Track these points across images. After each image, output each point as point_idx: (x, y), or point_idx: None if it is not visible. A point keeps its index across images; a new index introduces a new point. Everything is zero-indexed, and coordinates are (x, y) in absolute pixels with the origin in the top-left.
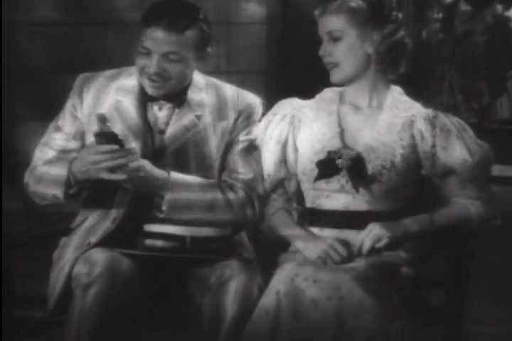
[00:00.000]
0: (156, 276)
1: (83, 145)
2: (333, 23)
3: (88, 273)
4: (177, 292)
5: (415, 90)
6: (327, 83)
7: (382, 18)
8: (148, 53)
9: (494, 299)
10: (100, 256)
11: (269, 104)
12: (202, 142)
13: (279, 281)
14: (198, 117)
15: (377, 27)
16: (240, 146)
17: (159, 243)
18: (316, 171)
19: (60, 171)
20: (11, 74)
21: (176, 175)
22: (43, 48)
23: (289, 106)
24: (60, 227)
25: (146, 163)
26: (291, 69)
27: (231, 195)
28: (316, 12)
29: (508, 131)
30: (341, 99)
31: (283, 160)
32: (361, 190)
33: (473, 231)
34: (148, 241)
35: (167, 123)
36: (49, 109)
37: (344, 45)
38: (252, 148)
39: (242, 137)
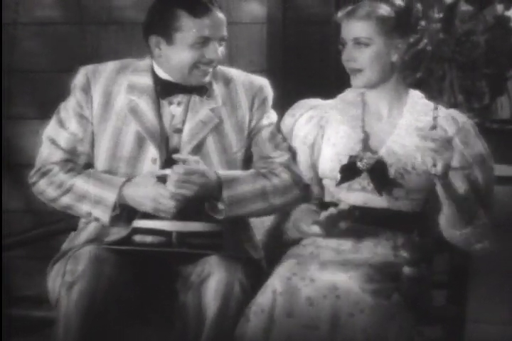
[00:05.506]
0: (143, 274)
1: (92, 148)
2: (361, 29)
3: (72, 271)
4: (163, 290)
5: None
6: (326, 83)
7: (409, 28)
8: (204, 42)
9: (495, 298)
10: (85, 254)
11: None
12: (221, 136)
13: (277, 280)
14: (213, 110)
15: (404, 36)
16: (266, 132)
17: (148, 238)
18: (336, 171)
19: (104, 193)
20: (11, 73)
21: (223, 173)
22: (43, 48)
23: (313, 106)
24: (61, 227)
25: (205, 168)
26: (292, 69)
27: (276, 180)
28: (340, 14)
29: (509, 130)
30: (364, 104)
31: (311, 163)
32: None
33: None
34: (137, 237)
35: (183, 122)
36: (49, 108)
37: (371, 52)
38: (276, 131)
39: (265, 122)
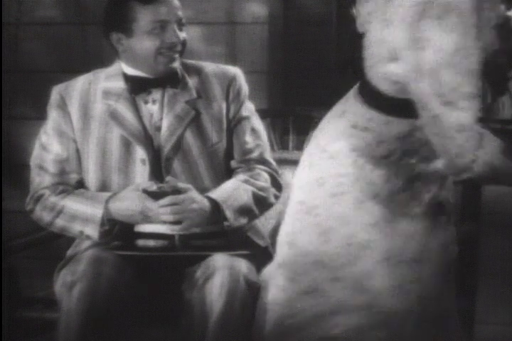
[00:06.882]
0: (145, 274)
1: (80, 164)
2: None
3: (72, 271)
4: (167, 289)
5: None
6: (328, 83)
7: None
8: (163, 26)
9: (502, 300)
10: (86, 255)
11: (270, 104)
12: (199, 129)
13: None
14: (188, 102)
15: None
16: (246, 123)
17: (150, 242)
18: None
19: (91, 210)
20: (12, 74)
21: (218, 194)
22: (45, 48)
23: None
24: None
25: (195, 195)
26: (293, 69)
27: (261, 183)
28: None
29: (510, 131)
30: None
31: None
32: None
33: None
34: (140, 242)
35: (161, 119)
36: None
37: None
38: (255, 122)
39: (244, 113)
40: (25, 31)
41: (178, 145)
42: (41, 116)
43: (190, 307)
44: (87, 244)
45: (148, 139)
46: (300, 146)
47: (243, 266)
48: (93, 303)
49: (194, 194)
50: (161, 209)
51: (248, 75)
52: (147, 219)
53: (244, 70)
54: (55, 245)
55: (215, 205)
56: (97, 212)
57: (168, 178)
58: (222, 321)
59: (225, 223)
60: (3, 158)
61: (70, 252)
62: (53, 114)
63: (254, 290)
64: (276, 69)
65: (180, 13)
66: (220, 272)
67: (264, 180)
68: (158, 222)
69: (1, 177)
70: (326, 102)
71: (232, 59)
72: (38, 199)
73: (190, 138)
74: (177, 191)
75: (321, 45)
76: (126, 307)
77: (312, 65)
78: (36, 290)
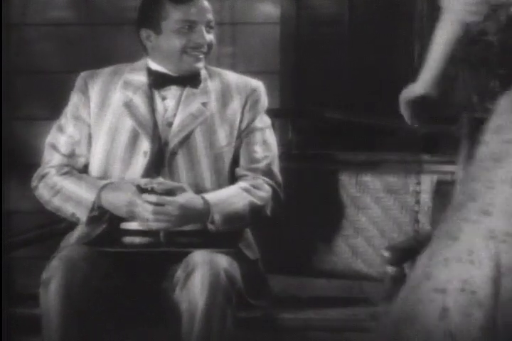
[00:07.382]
0: (124, 268)
1: (89, 149)
2: None
3: (49, 268)
4: (150, 287)
5: None
6: (339, 84)
7: None
8: (190, 26)
9: None
10: (62, 252)
11: (282, 104)
12: (209, 130)
13: None
14: (205, 104)
15: None
16: (258, 135)
17: (136, 239)
18: None
19: (85, 194)
20: (22, 74)
21: (212, 196)
22: (55, 48)
23: None
24: (65, 226)
25: (185, 199)
26: (305, 69)
27: (261, 193)
28: None
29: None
30: None
31: None
32: None
33: None
34: (127, 239)
35: (175, 115)
36: (60, 109)
37: None
38: (268, 135)
39: (258, 124)
40: (34, 32)
41: (185, 142)
42: (50, 116)
43: (176, 306)
44: (74, 236)
45: (156, 133)
46: (299, 146)
47: (223, 260)
48: (69, 298)
49: (182, 197)
50: (145, 204)
51: (260, 75)
52: (131, 213)
53: (256, 70)
54: (50, 244)
55: (207, 206)
56: (90, 196)
57: (159, 180)
58: (207, 315)
59: (210, 225)
60: (3, 158)
61: (62, 244)
62: (74, 98)
63: (235, 284)
64: (288, 70)
65: (210, 15)
66: (200, 268)
67: (265, 191)
68: (142, 219)
69: (2, 177)
70: (338, 102)
71: (244, 59)
72: (43, 176)
73: (198, 137)
74: (170, 192)
75: (333, 45)
76: (104, 300)
77: (324, 65)
78: (29, 287)
